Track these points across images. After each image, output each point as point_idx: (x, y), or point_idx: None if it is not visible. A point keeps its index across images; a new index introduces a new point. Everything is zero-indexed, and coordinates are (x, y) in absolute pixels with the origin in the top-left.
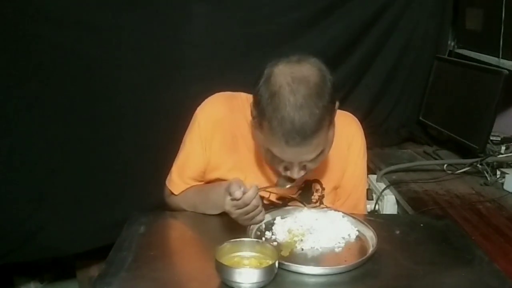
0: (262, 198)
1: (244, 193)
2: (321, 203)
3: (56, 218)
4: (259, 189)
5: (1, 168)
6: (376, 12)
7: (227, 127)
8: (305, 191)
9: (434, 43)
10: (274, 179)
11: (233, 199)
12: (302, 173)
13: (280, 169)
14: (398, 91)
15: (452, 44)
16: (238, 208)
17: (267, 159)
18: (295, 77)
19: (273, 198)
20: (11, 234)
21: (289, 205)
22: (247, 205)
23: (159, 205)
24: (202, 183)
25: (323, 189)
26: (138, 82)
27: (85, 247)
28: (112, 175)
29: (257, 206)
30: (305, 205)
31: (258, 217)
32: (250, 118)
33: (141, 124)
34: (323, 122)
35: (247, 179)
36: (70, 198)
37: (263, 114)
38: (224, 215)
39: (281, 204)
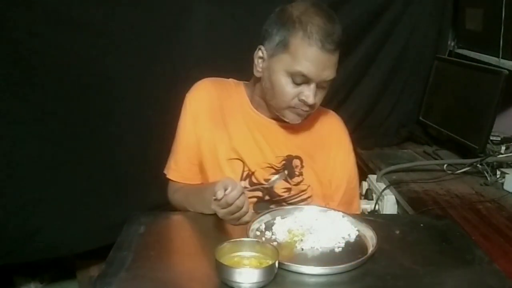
0: (250, 175)
1: (230, 192)
2: (303, 178)
3: (56, 218)
4: (251, 189)
5: (1, 168)
6: (375, 12)
7: (214, 102)
8: (288, 163)
9: (434, 43)
10: (263, 146)
11: (215, 199)
12: (316, 100)
13: (294, 97)
14: (398, 91)
15: (452, 44)
16: (222, 208)
17: (282, 89)
18: (314, 5)
19: (260, 177)
20: (11, 234)
21: (281, 195)
22: (230, 205)
23: (159, 205)
24: (197, 170)
25: (302, 166)
26: (137, 82)
27: (85, 247)
28: (112, 175)
29: (241, 208)
30: (289, 182)
31: (244, 218)
32: (237, 95)
33: (140, 124)
34: (343, 40)
35: (239, 150)
36: (70, 198)
37: (292, 31)
38: None
39: (267, 184)
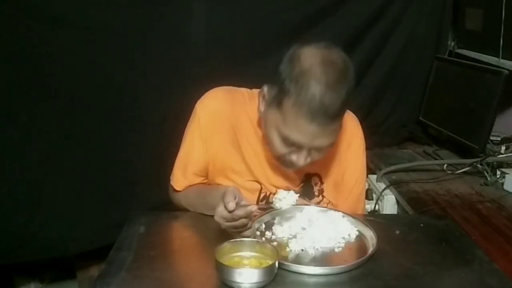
0: (267, 196)
1: (237, 203)
2: (323, 196)
3: (56, 218)
4: (254, 210)
5: (1, 169)
6: (376, 12)
7: (227, 119)
8: (306, 184)
9: (434, 43)
10: (276, 167)
11: (221, 212)
12: (308, 160)
13: (285, 154)
14: (398, 91)
15: (452, 44)
16: (227, 221)
17: (273, 143)
18: (325, 59)
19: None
20: (11, 234)
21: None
22: (235, 220)
23: (159, 205)
24: (205, 179)
25: (322, 183)
26: (138, 82)
27: (85, 247)
28: (112, 175)
29: (246, 224)
30: (308, 201)
31: (246, 233)
32: (250, 111)
33: (141, 124)
34: (346, 107)
35: (254, 172)
36: (70, 198)
37: (287, 91)
38: None
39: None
